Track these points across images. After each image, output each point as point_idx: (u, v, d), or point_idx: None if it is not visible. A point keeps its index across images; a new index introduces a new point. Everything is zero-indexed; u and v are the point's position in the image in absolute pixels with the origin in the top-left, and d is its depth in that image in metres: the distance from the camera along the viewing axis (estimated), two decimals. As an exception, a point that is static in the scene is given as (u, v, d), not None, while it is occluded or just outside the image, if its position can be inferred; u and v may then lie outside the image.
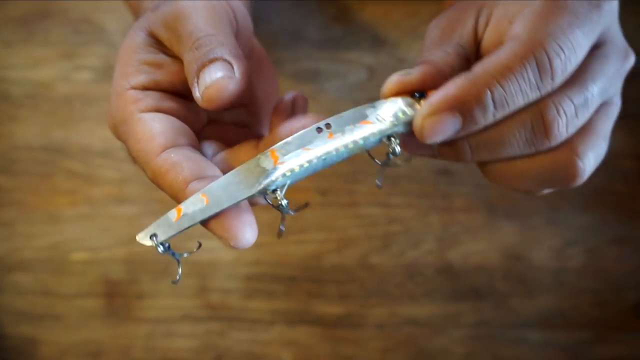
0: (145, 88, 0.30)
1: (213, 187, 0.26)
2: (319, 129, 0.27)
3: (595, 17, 0.26)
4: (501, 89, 0.25)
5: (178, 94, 0.31)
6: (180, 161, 0.27)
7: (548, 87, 0.25)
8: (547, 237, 0.55)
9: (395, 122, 0.26)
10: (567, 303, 0.55)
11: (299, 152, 0.26)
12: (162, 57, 0.30)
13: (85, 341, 0.55)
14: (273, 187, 0.26)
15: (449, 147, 0.27)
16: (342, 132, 0.27)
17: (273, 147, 0.27)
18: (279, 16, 0.56)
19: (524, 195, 0.55)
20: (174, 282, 0.28)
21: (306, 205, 0.28)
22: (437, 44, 0.29)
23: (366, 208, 0.55)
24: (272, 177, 0.26)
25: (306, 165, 0.26)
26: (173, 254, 0.27)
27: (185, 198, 0.26)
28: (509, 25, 0.27)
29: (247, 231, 0.26)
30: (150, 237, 0.26)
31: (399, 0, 0.56)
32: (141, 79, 0.30)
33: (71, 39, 0.58)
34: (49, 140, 0.57)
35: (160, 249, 0.26)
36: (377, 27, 0.57)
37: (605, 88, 0.27)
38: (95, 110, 0.57)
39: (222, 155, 0.31)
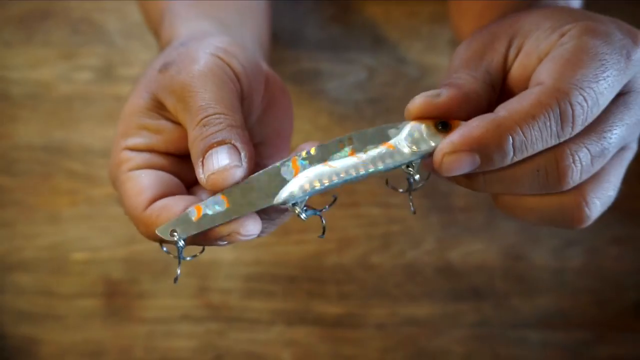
0: (139, 150, 0.31)
1: (233, 190, 0.27)
2: (341, 143, 0.27)
3: (623, 67, 0.26)
4: (522, 136, 0.25)
5: (171, 154, 0.32)
6: (168, 202, 0.28)
7: (567, 135, 0.26)
8: (547, 237, 0.55)
9: (416, 151, 0.27)
10: (567, 303, 0.54)
11: (320, 166, 0.27)
12: (162, 123, 0.31)
13: (85, 341, 0.55)
14: (292, 202, 0.27)
15: (465, 177, 0.28)
16: (364, 150, 0.27)
17: (295, 155, 0.27)
18: (279, 16, 0.56)
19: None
20: (175, 281, 0.29)
21: (322, 210, 0.28)
22: (465, 65, 0.29)
23: (366, 208, 0.55)
24: (292, 190, 0.27)
25: (326, 183, 0.27)
26: (180, 255, 0.27)
27: None
28: (538, 62, 0.28)
29: (250, 221, 0.27)
30: (171, 233, 0.27)
31: (399, 0, 0.56)
32: (137, 141, 0.31)
33: (71, 39, 0.58)
34: (49, 140, 0.57)
35: (181, 243, 0.27)
36: (377, 27, 0.57)
37: (623, 137, 0.28)
38: (95, 110, 0.57)
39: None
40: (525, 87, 0.28)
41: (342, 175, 0.27)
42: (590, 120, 0.26)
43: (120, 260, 0.55)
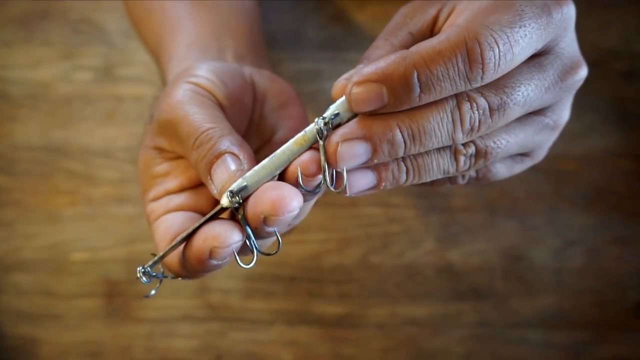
0: (159, 198, 0.35)
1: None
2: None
3: (543, 22, 0.26)
4: (428, 71, 0.25)
5: (185, 189, 0.35)
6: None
7: (478, 79, 0.25)
8: (547, 237, 0.55)
9: (333, 108, 0.28)
10: (568, 303, 0.54)
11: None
12: (166, 166, 0.34)
13: (85, 341, 0.55)
14: (233, 189, 0.28)
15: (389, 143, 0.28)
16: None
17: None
18: (279, 16, 0.56)
19: (524, 195, 0.55)
20: (146, 296, 0.34)
21: (278, 249, 0.31)
22: (390, 32, 0.30)
23: (366, 208, 0.55)
24: (230, 187, 0.29)
25: (257, 166, 0.29)
26: (157, 276, 0.33)
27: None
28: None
29: (294, 199, 0.28)
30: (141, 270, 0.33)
31: (399, 0, 0.56)
32: (154, 192, 0.35)
33: (71, 39, 0.58)
34: (49, 140, 0.57)
35: (144, 277, 0.32)
36: (377, 27, 0.56)
37: (530, 98, 0.27)
38: (95, 110, 0.57)
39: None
40: None
41: (271, 155, 0.29)
42: (503, 67, 0.26)
43: (120, 260, 0.55)
